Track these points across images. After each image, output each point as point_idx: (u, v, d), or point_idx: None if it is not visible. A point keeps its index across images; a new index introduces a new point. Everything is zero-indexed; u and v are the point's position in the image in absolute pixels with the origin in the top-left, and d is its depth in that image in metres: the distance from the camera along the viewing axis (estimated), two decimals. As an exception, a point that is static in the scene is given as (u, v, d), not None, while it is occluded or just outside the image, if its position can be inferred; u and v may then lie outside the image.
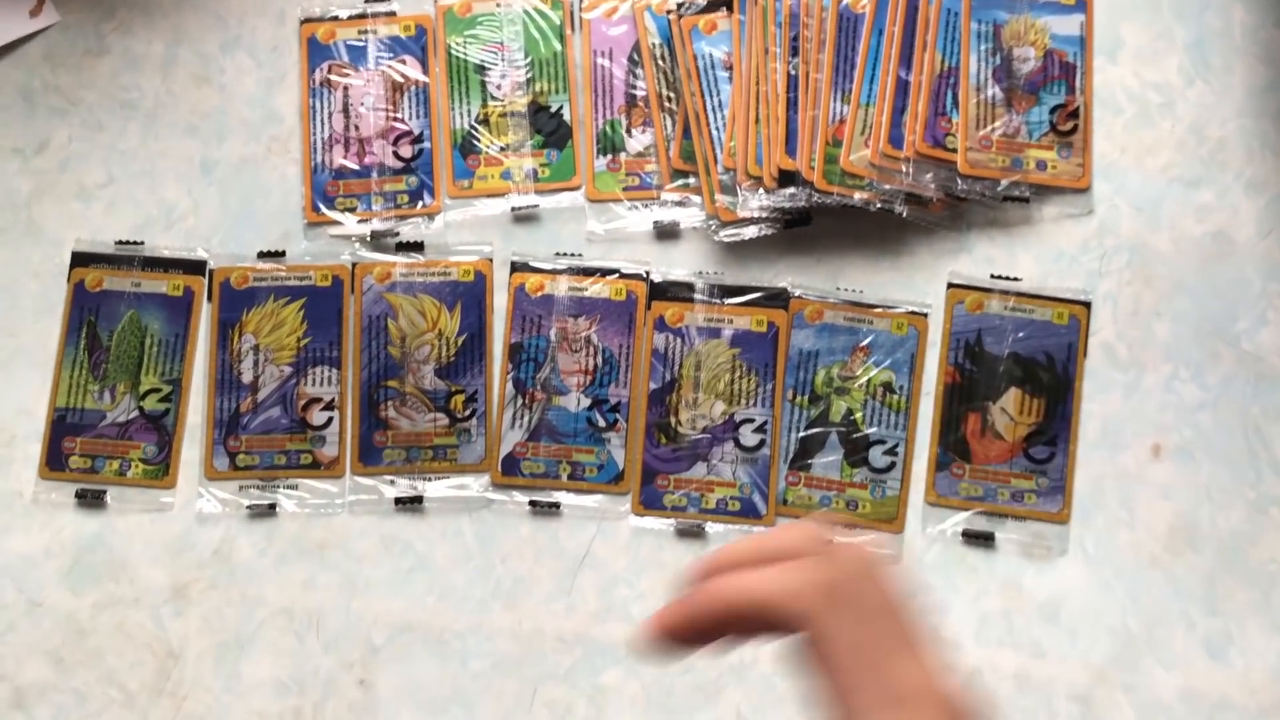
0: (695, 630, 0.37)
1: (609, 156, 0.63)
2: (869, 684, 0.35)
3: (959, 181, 0.61)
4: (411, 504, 0.61)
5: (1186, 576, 0.60)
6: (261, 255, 0.63)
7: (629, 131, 0.64)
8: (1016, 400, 0.61)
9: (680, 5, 0.63)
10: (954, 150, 0.61)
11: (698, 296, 0.62)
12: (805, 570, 0.36)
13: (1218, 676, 0.59)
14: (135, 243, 0.63)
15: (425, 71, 0.64)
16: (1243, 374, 0.61)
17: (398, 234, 0.63)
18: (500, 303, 0.62)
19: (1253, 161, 0.63)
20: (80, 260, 0.63)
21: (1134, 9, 0.64)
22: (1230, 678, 0.59)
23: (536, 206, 0.63)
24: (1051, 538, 0.60)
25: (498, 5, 0.64)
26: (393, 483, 0.61)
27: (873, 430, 0.61)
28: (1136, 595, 0.60)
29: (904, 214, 0.61)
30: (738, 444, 0.61)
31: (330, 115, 0.63)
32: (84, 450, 0.61)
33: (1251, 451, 0.61)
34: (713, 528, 0.60)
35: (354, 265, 0.62)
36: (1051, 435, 0.61)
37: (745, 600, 0.36)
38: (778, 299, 0.62)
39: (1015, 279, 0.62)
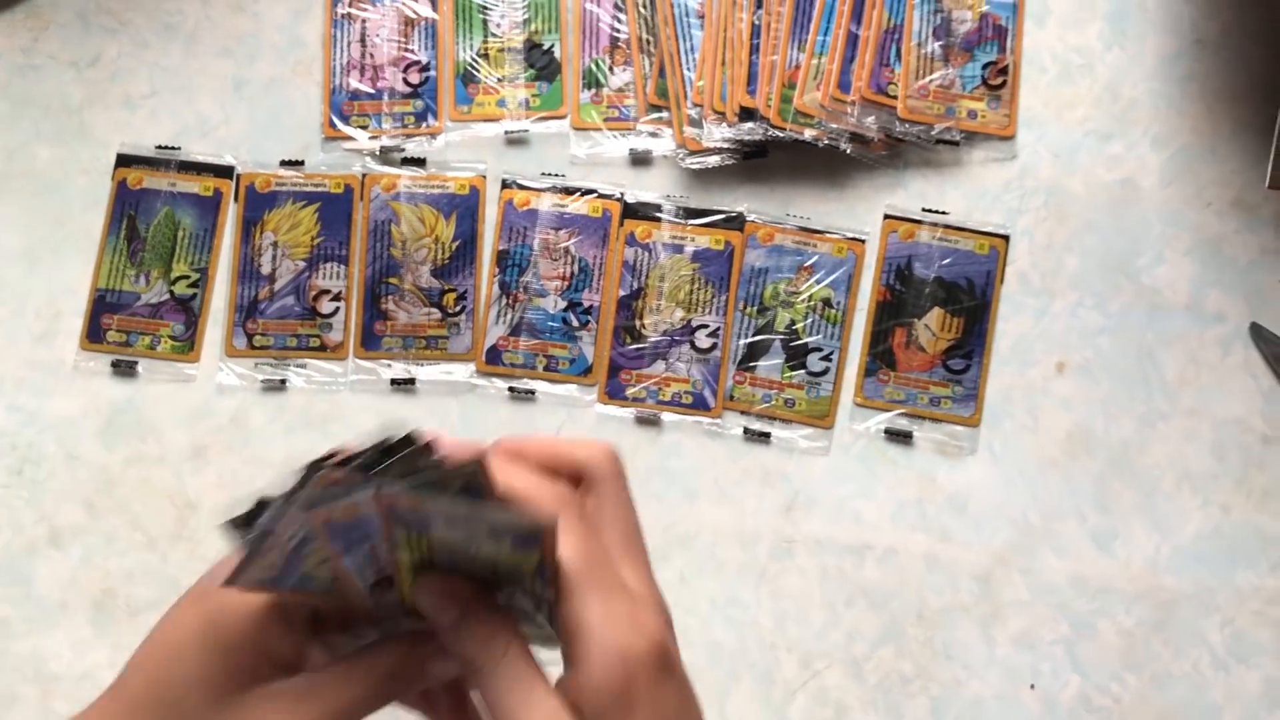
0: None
1: (593, 90, 0.71)
2: (597, 579, 0.37)
3: (898, 124, 0.69)
4: (406, 385, 0.68)
5: (1081, 478, 0.67)
6: (283, 164, 0.69)
7: (611, 70, 0.71)
8: (939, 318, 0.68)
9: (661, -40, 0.71)
10: (895, 97, 0.69)
11: (665, 216, 0.69)
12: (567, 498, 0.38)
13: (1103, 565, 0.67)
14: (173, 148, 0.70)
15: (435, 9, 0.71)
16: (1140, 304, 0.69)
17: (403, 150, 0.69)
18: (491, 214, 0.69)
19: (1159, 120, 0.70)
20: (124, 161, 0.69)
21: (1060, -20, 0.71)
22: (1114, 566, 0.66)
23: (527, 131, 0.70)
24: (963, 438, 0.68)
25: (501, -46, 0.72)
26: (390, 366, 0.68)
27: (812, 339, 0.68)
28: (1036, 492, 0.67)
29: (849, 151, 0.68)
30: (693, 346, 0.68)
31: (349, 44, 0.70)
32: (120, 326, 0.68)
33: (1144, 372, 0.68)
34: (668, 417, 0.68)
35: (364, 176, 0.69)
36: (968, 350, 0.68)
37: (520, 485, 0.37)
38: (735, 221, 0.69)
39: (944, 213, 0.69)
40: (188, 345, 0.68)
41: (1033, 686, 0.65)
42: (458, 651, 0.38)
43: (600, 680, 0.36)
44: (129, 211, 0.69)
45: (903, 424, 0.67)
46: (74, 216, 0.70)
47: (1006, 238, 0.69)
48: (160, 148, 0.70)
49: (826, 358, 0.68)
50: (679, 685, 0.38)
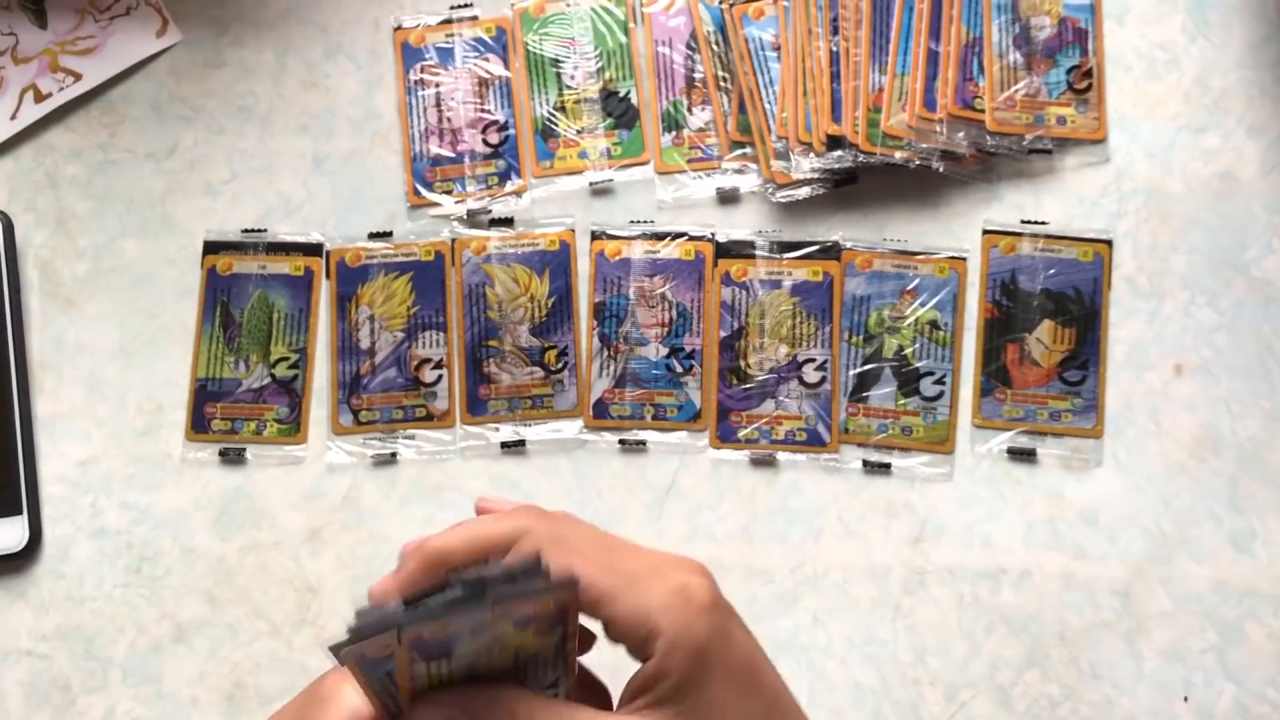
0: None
1: (673, 133, 0.70)
2: (610, 570, 0.39)
3: (988, 138, 0.68)
4: (515, 447, 0.68)
5: (1211, 480, 0.66)
6: (371, 236, 0.69)
7: (690, 110, 0.70)
8: (1050, 330, 0.67)
9: (731, -5, 0.70)
10: (982, 111, 0.68)
11: (759, 253, 0.69)
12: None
13: (1244, 567, 0.65)
14: (259, 230, 0.70)
15: (507, 67, 0.71)
16: (1253, 298, 0.67)
17: (490, 211, 0.69)
18: (583, 268, 0.69)
19: (1252, 107, 0.69)
20: (211, 248, 0.70)
21: (1138, -24, 0.70)
22: (1255, 568, 0.65)
23: (611, 181, 0.70)
24: (1087, 451, 0.66)
25: (568, 5, 0.71)
26: (498, 429, 0.68)
27: (922, 363, 0.67)
28: (1167, 499, 0.66)
29: (940, 169, 0.67)
30: (802, 381, 0.68)
31: (425, 110, 0.70)
32: (224, 414, 0.68)
33: (1265, 366, 0.67)
34: (783, 456, 0.67)
35: (453, 241, 0.69)
36: (1083, 360, 0.67)
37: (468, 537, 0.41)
38: (831, 251, 0.68)
39: (1043, 223, 0.68)
40: (294, 427, 0.68)
41: (1186, 699, 0.64)
42: None
43: (675, 659, 0.38)
44: (221, 298, 0.69)
45: (1024, 442, 0.66)
46: (167, 308, 0.70)
47: (1109, 242, 0.68)
48: (246, 231, 0.70)
49: (939, 381, 0.67)
50: (738, 625, 0.41)
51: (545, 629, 0.38)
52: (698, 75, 0.70)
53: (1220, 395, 0.66)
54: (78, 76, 0.71)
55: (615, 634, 0.40)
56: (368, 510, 0.67)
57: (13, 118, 0.71)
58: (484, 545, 0.41)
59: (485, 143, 0.70)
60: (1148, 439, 0.66)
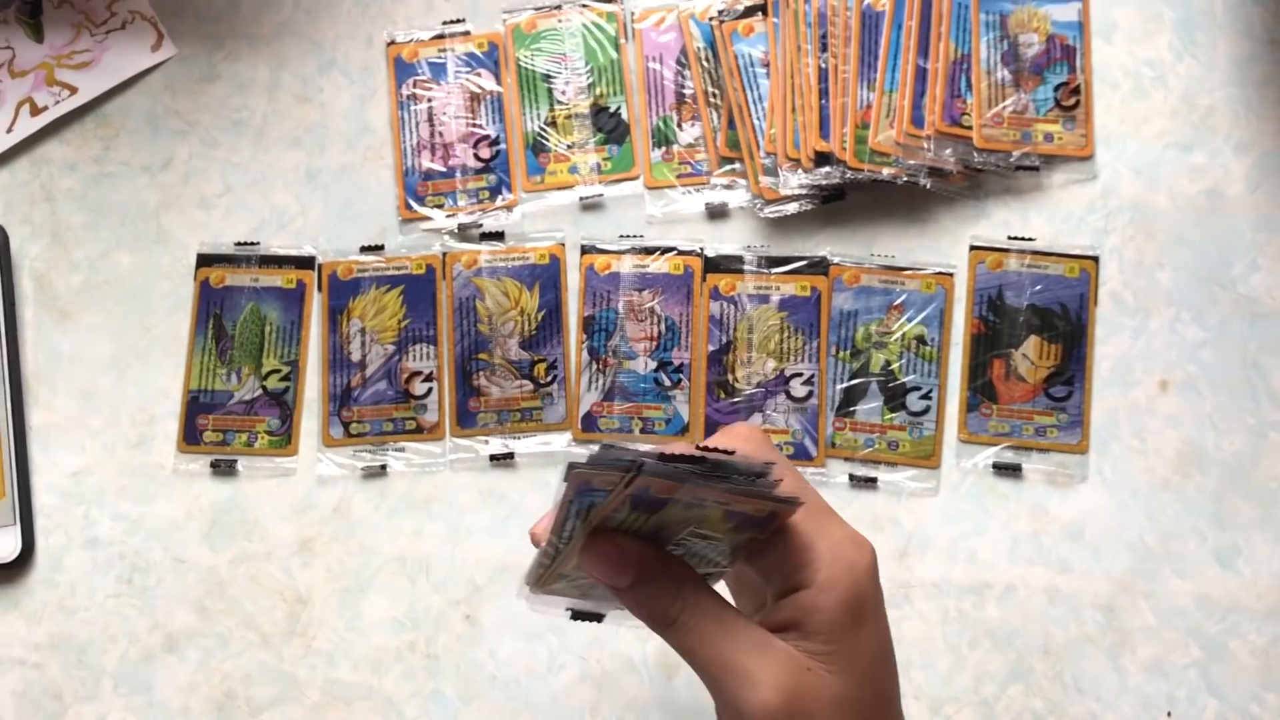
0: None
1: (663, 148, 0.71)
2: (818, 509, 0.42)
3: (975, 155, 0.68)
4: (505, 460, 0.68)
5: (1196, 496, 0.66)
6: (363, 249, 0.70)
7: (680, 126, 0.71)
8: (1036, 346, 0.68)
9: (721, 12, 0.70)
10: (970, 127, 0.68)
11: (747, 268, 0.69)
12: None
13: (1228, 583, 0.65)
14: (252, 243, 0.70)
15: (498, 82, 0.71)
16: (1239, 314, 0.68)
17: (481, 225, 0.70)
18: (573, 281, 0.69)
19: (1239, 125, 0.69)
20: (204, 261, 0.70)
21: (1125, -5, 0.70)
22: (1240, 584, 0.65)
23: (601, 196, 0.70)
24: (1073, 466, 0.67)
25: (559, 21, 0.72)
26: (487, 442, 0.68)
27: (909, 378, 0.68)
28: (1152, 514, 0.66)
29: (928, 186, 0.68)
30: (789, 396, 0.68)
31: (417, 124, 0.71)
32: (216, 426, 0.69)
33: (1249, 383, 0.67)
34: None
35: (444, 255, 0.69)
36: (1069, 376, 0.67)
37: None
38: (819, 266, 0.69)
39: (1030, 239, 0.69)
40: (285, 439, 0.68)
41: (1169, 714, 0.64)
42: (642, 611, 0.41)
43: (834, 595, 0.40)
44: (214, 310, 0.70)
45: (1010, 457, 0.67)
46: (160, 320, 0.70)
47: (1096, 259, 0.68)
48: (239, 244, 0.70)
49: (926, 396, 0.67)
50: (883, 607, 0.42)
51: (741, 527, 0.40)
52: (688, 91, 0.71)
53: (1205, 411, 0.67)
54: (73, 90, 0.72)
55: (782, 558, 0.41)
56: (358, 522, 0.67)
57: (8, 131, 0.71)
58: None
59: (476, 157, 0.70)
60: (1133, 455, 0.67)
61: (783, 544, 0.41)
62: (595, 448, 0.36)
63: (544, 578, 0.44)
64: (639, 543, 0.41)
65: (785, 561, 0.41)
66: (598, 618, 0.46)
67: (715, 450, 0.38)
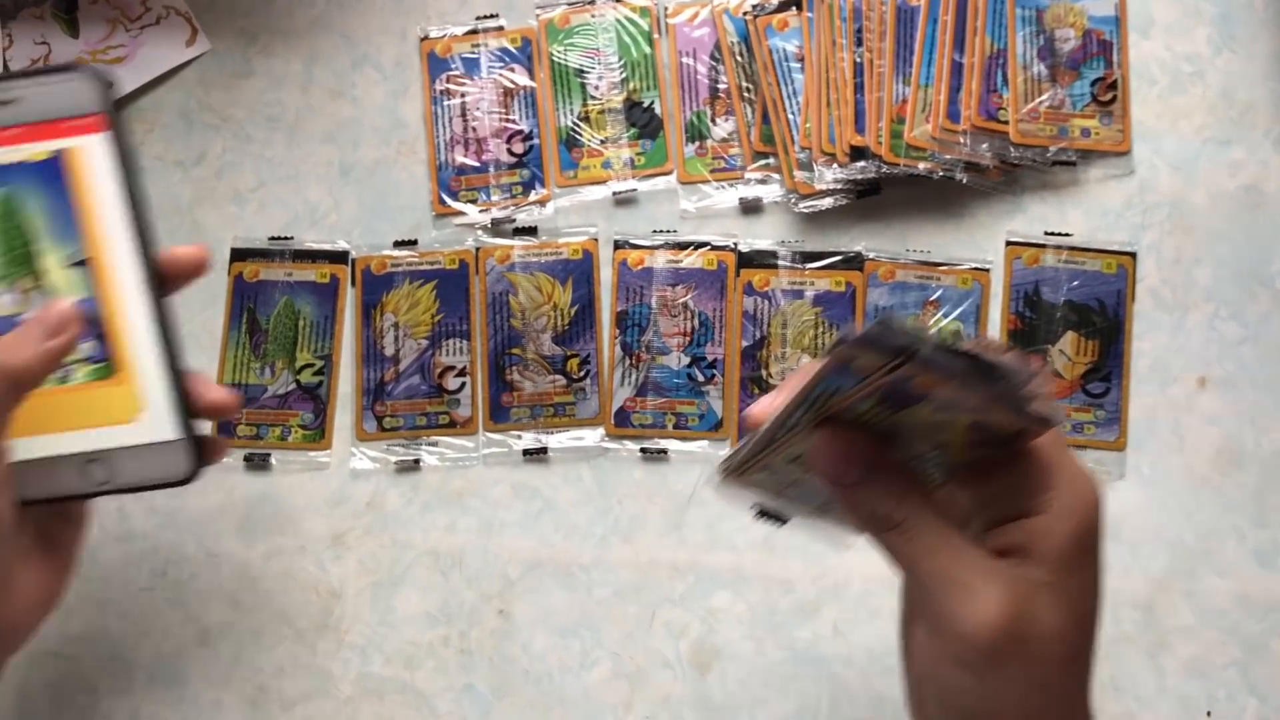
0: None
1: (696, 143, 0.70)
2: (1061, 442, 0.40)
3: (1012, 150, 0.68)
4: (537, 455, 0.68)
5: (1235, 493, 0.65)
6: (397, 244, 0.70)
7: (713, 120, 0.71)
8: (1073, 342, 0.67)
9: (755, 7, 0.70)
10: (1006, 122, 0.68)
11: (781, 263, 0.69)
12: None
13: (1268, 582, 0.65)
14: (285, 238, 0.70)
15: (532, 77, 0.71)
16: (1278, 311, 0.67)
17: (514, 220, 0.69)
18: (606, 276, 0.69)
19: (1278, 120, 0.69)
20: (238, 255, 0.70)
21: (1163, -11, 0.70)
22: (1279, 582, 0.65)
23: (634, 190, 0.70)
24: (1110, 464, 0.66)
25: (592, 16, 0.72)
26: (520, 437, 0.68)
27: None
28: (1190, 512, 0.66)
29: (964, 180, 0.67)
30: (823, 392, 0.68)
31: (450, 120, 0.71)
32: (249, 420, 0.69)
33: (1290, 380, 0.67)
34: (805, 466, 0.67)
35: (478, 249, 0.69)
36: (1106, 372, 0.67)
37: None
38: (853, 262, 0.68)
39: (1067, 235, 0.68)
40: (318, 433, 0.68)
41: (1209, 714, 0.64)
42: (863, 511, 0.40)
43: (1069, 525, 0.39)
44: (248, 305, 0.70)
45: (1047, 453, 0.66)
46: (194, 314, 0.70)
47: (1133, 255, 0.67)
48: (273, 239, 0.70)
49: (961, 392, 0.67)
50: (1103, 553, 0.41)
51: (978, 444, 0.39)
52: (721, 86, 0.70)
53: (1244, 408, 0.66)
54: (109, 85, 0.72)
55: (1018, 481, 0.40)
56: (391, 516, 0.67)
57: (44, 125, 0.72)
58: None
59: (510, 152, 0.70)
60: (1171, 453, 0.66)
61: (1021, 467, 0.40)
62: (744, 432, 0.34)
63: (747, 467, 0.42)
64: (869, 439, 0.39)
65: (1021, 485, 0.40)
66: (782, 520, 0.46)
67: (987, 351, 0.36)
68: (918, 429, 0.38)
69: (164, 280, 0.50)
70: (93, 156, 0.49)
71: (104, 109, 0.48)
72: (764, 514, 0.46)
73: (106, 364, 0.50)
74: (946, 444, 0.40)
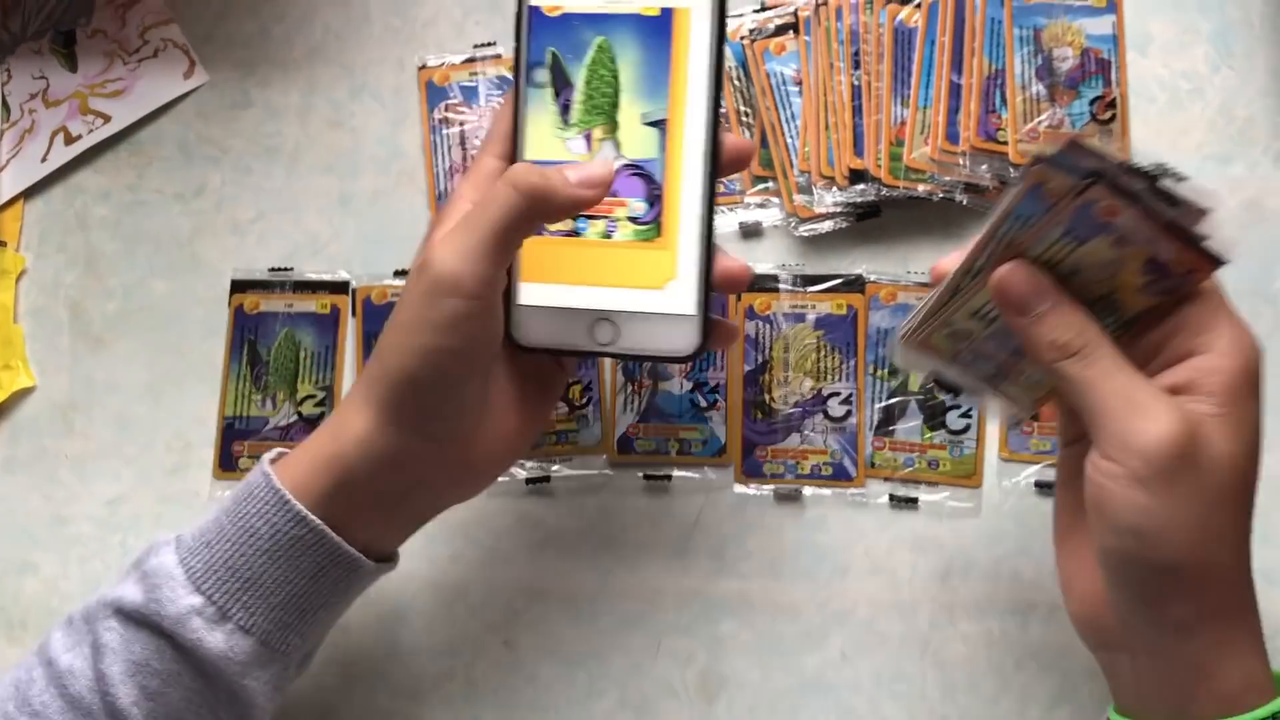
0: None
1: (696, 168, 0.70)
2: (1218, 289, 0.47)
3: (1012, 170, 0.67)
4: (541, 483, 0.68)
5: (1243, 513, 0.65)
6: (397, 274, 0.69)
7: (712, 145, 0.71)
8: (1076, 362, 0.67)
9: (752, 31, 0.70)
10: (1005, 143, 0.68)
11: (782, 286, 0.68)
12: None
13: (1276, 603, 0.64)
14: (285, 269, 0.70)
15: (529, 104, 0.71)
16: (1283, 328, 0.67)
17: (514, 248, 0.70)
18: (607, 303, 0.69)
19: (1278, 136, 0.68)
20: (238, 287, 0.70)
21: (1159, 7, 0.70)
22: (1289, 602, 0.64)
23: (634, 216, 0.70)
24: (1116, 484, 0.66)
25: (590, 42, 0.72)
26: (523, 465, 0.68)
27: (948, 397, 0.67)
28: (1198, 532, 0.65)
29: (964, 202, 0.67)
30: (827, 415, 0.67)
31: (449, 148, 0.71)
32: (251, 452, 0.68)
33: (1295, 397, 0.66)
34: (809, 490, 0.67)
35: (477, 277, 0.69)
36: (1110, 392, 0.67)
37: None
38: (855, 284, 0.68)
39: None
40: (320, 465, 0.68)
41: (1221, 736, 0.63)
42: (1048, 338, 0.44)
43: (1236, 362, 0.43)
44: (249, 337, 0.69)
45: (1053, 475, 0.66)
46: (194, 347, 0.70)
47: (1136, 273, 0.67)
48: (273, 270, 0.70)
49: (966, 414, 0.66)
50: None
51: (1149, 287, 0.44)
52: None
53: (1250, 426, 0.66)
54: (107, 119, 0.72)
55: (1188, 321, 0.45)
56: (394, 547, 0.67)
57: (43, 160, 0.72)
58: None
59: (509, 180, 0.70)
60: (1177, 471, 0.65)
61: (1191, 309, 0.44)
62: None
63: (928, 326, 0.47)
64: (1055, 286, 0.44)
65: (1187, 326, 0.44)
66: (957, 391, 0.51)
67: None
68: (1096, 268, 0.43)
69: (719, 161, 0.51)
70: (699, 20, 0.50)
71: None
72: (941, 383, 0.50)
73: (654, 226, 0.51)
74: (1122, 287, 0.44)
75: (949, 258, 0.48)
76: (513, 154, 0.53)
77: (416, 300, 0.48)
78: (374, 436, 0.49)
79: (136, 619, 0.50)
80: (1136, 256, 0.43)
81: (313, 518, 0.50)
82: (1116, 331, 0.46)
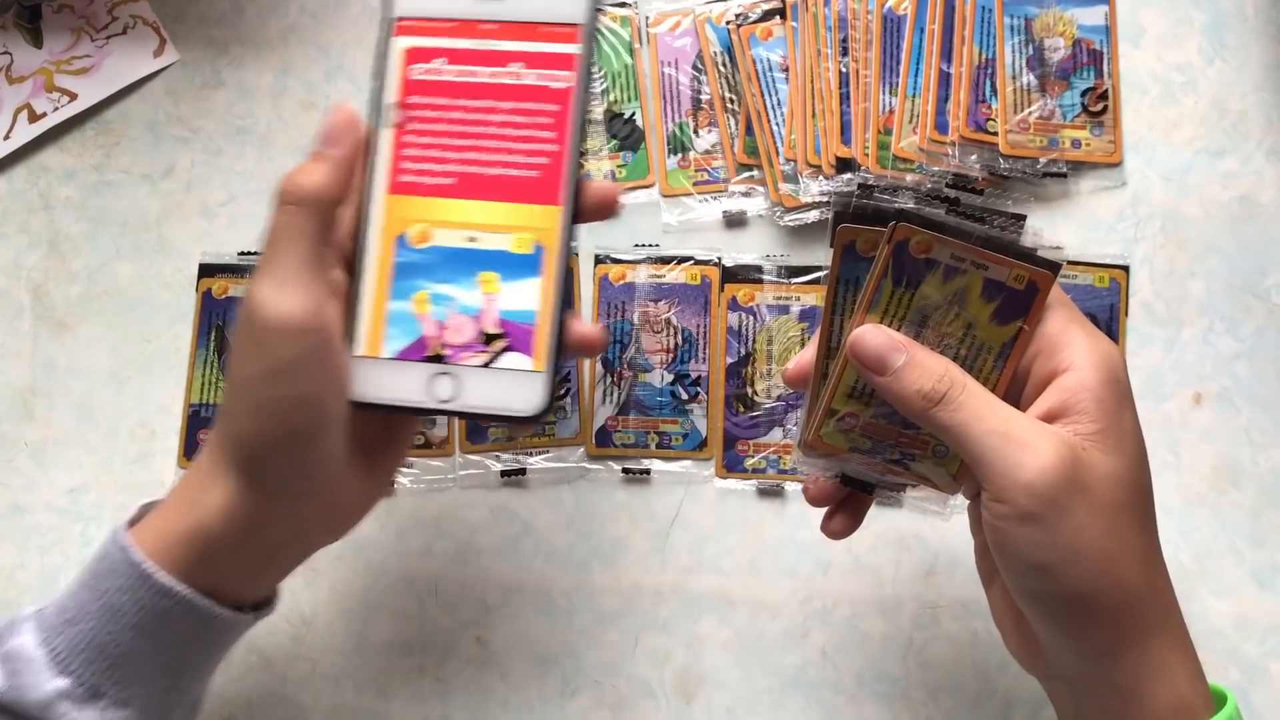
0: None
1: (679, 155, 0.69)
2: (1072, 306, 0.46)
3: (1001, 161, 0.66)
4: (516, 476, 0.66)
5: (1232, 513, 0.64)
6: (242, 254, 0.67)
7: (696, 132, 0.69)
8: (1065, 358, 0.66)
9: (738, 16, 0.69)
10: (995, 133, 0.66)
11: (766, 277, 0.67)
12: None
13: (1267, 604, 0.63)
14: (255, 253, 0.68)
15: (509, 87, 0.70)
16: (1274, 325, 0.65)
17: (491, 234, 0.68)
18: (587, 292, 0.67)
19: (1272, 130, 0.67)
20: (206, 271, 0.68)
21: (1153, -3, 0.69)
22: (1278, 603, 0.63)
23: (615, 204, 0.69)
24: (1104, 482, 0.65)
25: (572, 25, 0.70)
26: (498, 458, 0.66)
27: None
28: (1186, 531, 0.64)
29: (952, 193, 0.66)
30: (810, 410, 0.66)
31: (426, 131, 0.69)
32: (218, 441, 0.67)
33: (1286, 395, 0.65)
34: (791, 487, 0.65)
35: (453, 264, 0.68)
36: (1099, 388, 0.65)
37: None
38: (840, 276, 0.67)
39: (1058, 248, 0.67)
40: (289, 455, 0.66)
41: (1208, 740, 0.62)
42: (911, 390, 0.43)
43: (1098, 375, 0.42)
44: (216, 322, 0.67)
45: (1039, 472, 0.64)
46: (160, 332, 0.68)
47: (1126, 268, 0.66)
48: (243, 254, 0.68)
49: (951, 410, 0.65)
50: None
51: (1001, 313, 0.43)
52: (704, 97, 0.69)
53: (1240, 425, 0.65)
54: (73, 96, 0.70)
55: (1045, 342, 0.44)
56: (364, 541, 0.65)
57: (6, 138, 0.70)
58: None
59: (487, 165, 0.69)
60: (1165, 470, 0.64)
61: (1043, 328, 0.44)
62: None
63: (815, 421, 0.46)
64: (906, 337, 0.44)
65: (1047, 344, 0.44)
66: (869, 488, 0.49)
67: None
68: (942, 309, 0.43)
69: (578, 208, 0.49)
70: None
71: (585, 21, 0.48)
72: (849, 483, 0.49)
73: None
74: (976, 323, 0.44)
75: (802, 355, 0.47)
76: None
77: (250, 353, 0.44)
78: (235, 505, 0.46)
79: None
80: (972, 285, 0.42)
81: (179, 588, 0.46)
82: (998, 371, 0.45)
